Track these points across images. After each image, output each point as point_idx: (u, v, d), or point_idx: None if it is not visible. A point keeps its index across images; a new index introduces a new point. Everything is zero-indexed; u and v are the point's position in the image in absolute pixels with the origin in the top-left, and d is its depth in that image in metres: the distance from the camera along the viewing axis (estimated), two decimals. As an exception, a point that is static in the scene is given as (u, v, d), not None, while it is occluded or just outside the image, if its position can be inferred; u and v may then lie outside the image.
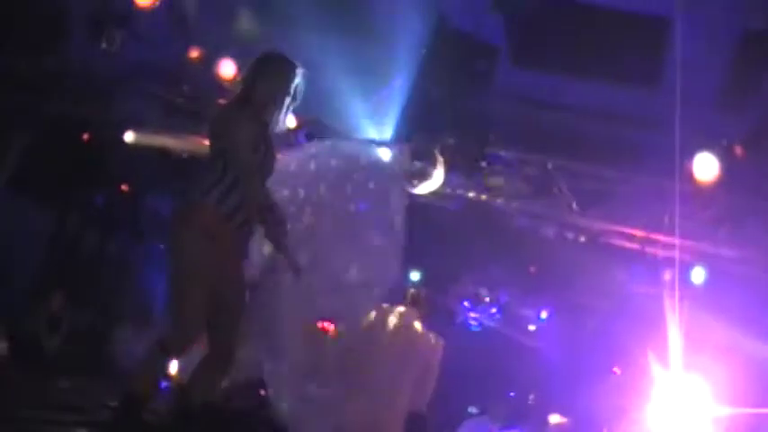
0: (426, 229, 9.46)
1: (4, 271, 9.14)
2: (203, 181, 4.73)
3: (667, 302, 7.65)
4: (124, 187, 11.13)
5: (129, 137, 9.18)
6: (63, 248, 10.82)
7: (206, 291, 4.65)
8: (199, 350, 4.98)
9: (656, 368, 7.76)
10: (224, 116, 5.06)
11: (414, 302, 6.65)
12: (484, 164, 8.30)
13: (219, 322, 4.79)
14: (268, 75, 4.89)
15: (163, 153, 9.35)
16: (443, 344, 6.45)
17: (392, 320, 6.39)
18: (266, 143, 4.85)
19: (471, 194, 8.44)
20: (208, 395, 5.01)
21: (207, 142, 5.15)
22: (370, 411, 6.02)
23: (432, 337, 6.47)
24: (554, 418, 9.82)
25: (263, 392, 9.08)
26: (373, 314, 6.38)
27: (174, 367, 5.95)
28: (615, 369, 10.51)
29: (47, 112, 9.10)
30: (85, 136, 9.70)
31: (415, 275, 10.12)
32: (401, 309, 6.60)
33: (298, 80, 4.93)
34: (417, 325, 6.41)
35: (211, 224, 4.63)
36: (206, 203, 4.65)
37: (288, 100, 4.92)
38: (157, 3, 7.82)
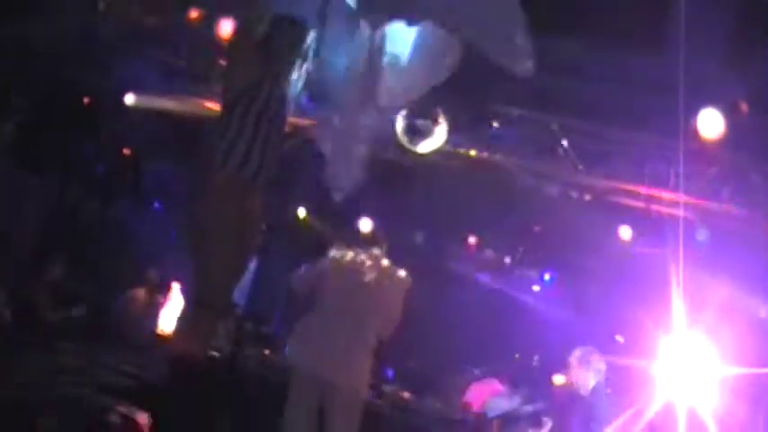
0: (429, 189, 9.45)
1: (4, 240, 9.13)
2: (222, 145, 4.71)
3: (671, 262, 7.62)
4: (125, 151, 11.11)
5: (129, 100, 9.14)
6: (63, 215, 10.82)
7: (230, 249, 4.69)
8: None
9: (659, 329, 7.75)
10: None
11: (371, 242, 6.64)
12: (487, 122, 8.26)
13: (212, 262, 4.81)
14: (277, 38, 4.85)
15: (164, 116, 9.31)
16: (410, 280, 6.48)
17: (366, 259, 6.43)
18: (273, 94, 4.81)
19: (474, 153, 8.39)
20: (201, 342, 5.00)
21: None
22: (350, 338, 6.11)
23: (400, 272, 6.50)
24: (558, 379, 9.83)
25: (267, 352, 9.20)
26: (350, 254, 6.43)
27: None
28: (618, 337, 10.52)
29: (45, 76, 9.04)
30: (86, 100, 9.65)
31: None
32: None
33: (309, 41, 4.91)
34: (386, 262, 6.45)
35: (234, 191, 4.65)
36: (225, 173, 4.66)
37: (299, 61, 4.91)
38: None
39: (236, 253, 4.75)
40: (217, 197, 4.69)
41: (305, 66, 5.00)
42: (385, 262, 6.38)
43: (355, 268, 6.31)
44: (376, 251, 6.43)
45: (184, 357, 4.76)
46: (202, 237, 4.75)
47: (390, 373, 10.20)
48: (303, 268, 6.54)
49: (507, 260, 11.91)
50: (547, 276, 12.18)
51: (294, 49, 4.92)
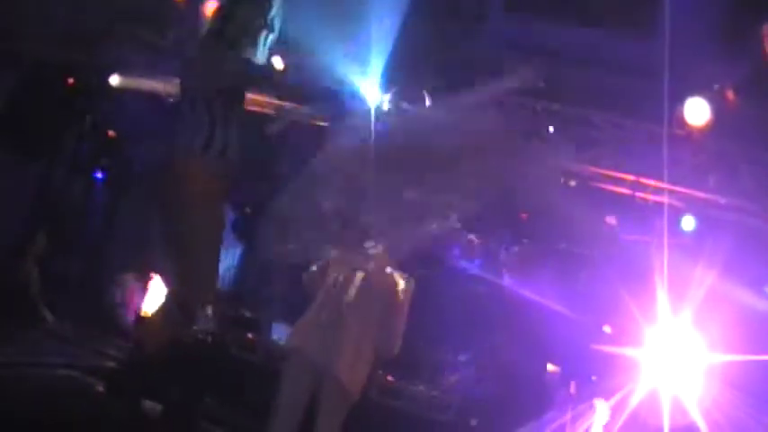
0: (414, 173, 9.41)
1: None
2: (186, 129, 4.67)
3: (656, 250, 7.63)
4: (111, 133, 11.06)
5: (114, 81, 9.10)
6: (49, 197, 10.78)
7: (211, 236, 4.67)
8: None
9: (645, 316, 7.76)
10: (196, 55, 4.96)
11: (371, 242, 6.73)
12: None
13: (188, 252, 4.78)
14: (241, 5, 4.77)
15: (150, 97, 9.27)
16: (413, 284, 6.52)
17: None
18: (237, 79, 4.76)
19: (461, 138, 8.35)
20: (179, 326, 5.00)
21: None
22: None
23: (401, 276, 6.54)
24: (549, 368, 9.86)
25: (250, 336, 9.20)
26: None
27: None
28: (605, 328, 10.52)
29: (30, 56, 8.99)
30: (70, 80, 9.59)
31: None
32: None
33: (274, 11, 4.81)
34: (386, 265, 6.50)
35: (201, 174, 4.60)
36: (194, 154, 4.61)
37: (264, 32, 4.81)
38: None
39: (204, 232, 4.70)
40: (182, 177, 4.64)
41: (270, 37, 4.88)
42: (388, 265, 6.45)
43: (355, 266, 6.39)
44: (377, 252, 6.51)
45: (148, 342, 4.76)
46: (172, 220, 4.74)
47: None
48: (314, 266, 6.60)
49: (493, 246, 11.86)
50: (532, 261, 12.13)
51: (258, 20, 4.81)
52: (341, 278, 6.37)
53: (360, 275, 6.37)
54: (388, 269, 6.46)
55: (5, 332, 7.09)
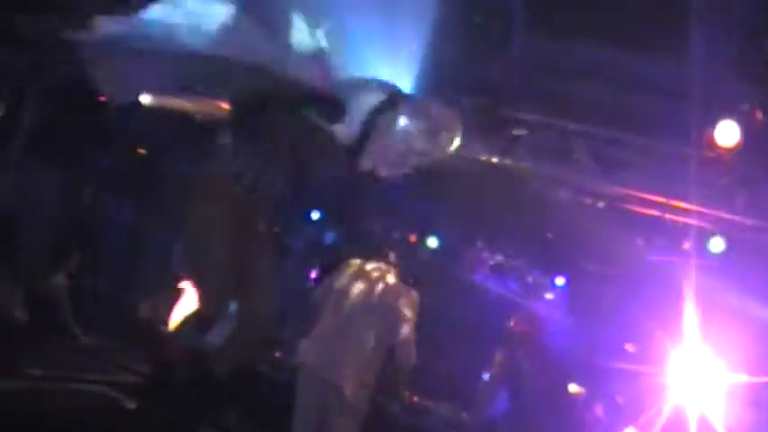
0: (441, 194, 9.43)
1: (20, 237, 9.18)
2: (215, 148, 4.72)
3: (685, 271, 7.61)
4: (140, 150, 11.14)
5: (145, 99, 9.14)
6: (78, 213, 10.87)
7: (229, 256, 4.65)
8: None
9: (672, 337, 7.73)
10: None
11: (384, 258, 6.79)
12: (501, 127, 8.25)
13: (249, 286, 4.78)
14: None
15: (179, 116, 9.32)
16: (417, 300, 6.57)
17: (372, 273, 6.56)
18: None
19: (487, 158, 8.36)
20: (239, 360, 5.02)
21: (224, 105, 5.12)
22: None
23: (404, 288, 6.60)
24: (572, 388, 9.82)
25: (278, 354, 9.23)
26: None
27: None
28: (628, 346, 10.48)
29: (62, 74, 9.07)
30: (101, 97, 9.65)
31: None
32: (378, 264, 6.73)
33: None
34: (391, 278, 6.57)
35: (224, 191, 4.61)
36: (215, 171, 4.64)
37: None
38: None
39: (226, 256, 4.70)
40: (204, 196, 4.67)
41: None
42: (393, 278, 6.50)
43: (365, 280, 6.44)
44: (387, 266, 6.57)
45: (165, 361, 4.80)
46: (196, 239, 4.76)
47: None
48: (322, 284, 6.66)
49: (520, 266, 11.86)
50: (559, 281, 12.12)
51: None
52: (348, 291, 6.42)
53: (367, 288, 6.42)
54: (395, 282, 6.50)
55: (36, 347, 7.14)
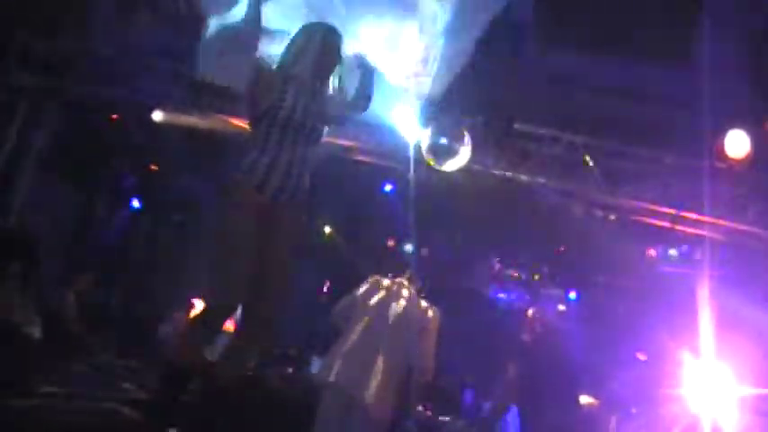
0: (455, 207, 9.45)
1: (34, 253, 9.23)
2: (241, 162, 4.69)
3: (697, 282, 7.59)
4: (153, 167, 11.19)
5: (157, 116, 9.20)
6: (92, 229, 10.93)
7: (246, 263, 4.65)
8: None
9: (685, 350, 7.70)
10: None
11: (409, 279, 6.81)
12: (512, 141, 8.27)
13: (260, 296, 4.78)
14: (308, 48, 4.82)
15: (191, 133, 9.37)
16: (439, 316, 6.59)
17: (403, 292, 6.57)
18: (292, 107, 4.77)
19: (499, 172, 8.37)
20: (240, 368, 5.01)
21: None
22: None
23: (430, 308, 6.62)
24: (583, 399, 9.78)
25: (290, 370, 9.24)
26: (387, 282, 6.58)
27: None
28: (640, 355, 10.45)
29: (75, 92, 9.14)
30: (114, 116, 9.73)
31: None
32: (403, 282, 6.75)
33: (338, 43, 4.85)
34: (411, 293, 6.59)
35: (246, 197, 4.60)
36: (237, 176, 4.63)
37: (335, 68, 4.87)
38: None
39: (246, 266, 4.71)
40: (235, 212, 4.66)
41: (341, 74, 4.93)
42: (413, 292, 6.51)
43: (386, 296, 6.45)
44: (406, 282, 6.58)
45: (180, 364, 4.79)
46: (219, 248, 4.76)
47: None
48: (341, 303, 6.66)
49: (532, 279, 11.88)
50: (572, 295, 12.12)
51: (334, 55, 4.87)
52: (369, 307, 6.43)
53: (393, 305, 6.43)
54: (415, 297, 6.51)
55: (49, 363, 7.16)
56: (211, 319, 4.78)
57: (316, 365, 9.44)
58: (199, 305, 9.31)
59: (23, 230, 8.98)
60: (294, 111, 4.68)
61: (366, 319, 6.36)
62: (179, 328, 9.83)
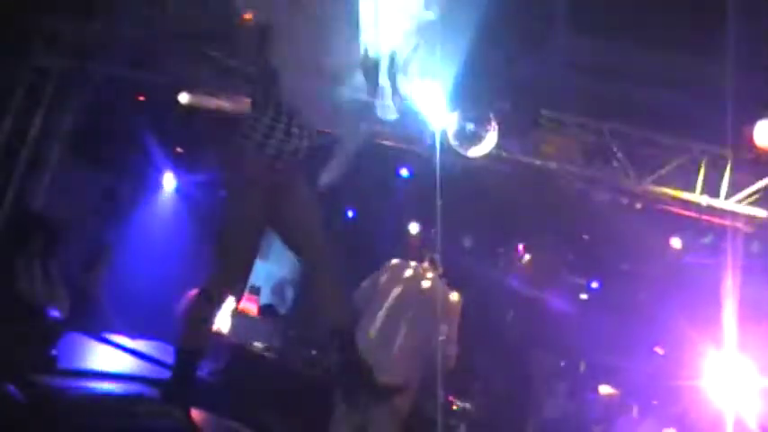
0: (478, 194, 9.43)
1: (61, 236, 9.29)
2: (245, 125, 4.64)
3: (723, 272, 7.54)
4: (179, 149, 11.23)
5: (183, 98, 9.21)
6: (117, 212, 10.98)
7: (247, 237, 4.65)
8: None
9: (708, 342, 7.67)
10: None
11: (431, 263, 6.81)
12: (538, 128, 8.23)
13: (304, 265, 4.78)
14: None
15: (217, 115, 9.37)
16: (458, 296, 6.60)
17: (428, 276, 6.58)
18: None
19: (525, 159, 8.34)
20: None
21: None
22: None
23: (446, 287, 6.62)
24: (604, 389, 9.78)
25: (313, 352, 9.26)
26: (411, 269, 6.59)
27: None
28: (657, 349, 10.43)
29: (102, 74, 9.18)
30: (140, 98, 9.75)
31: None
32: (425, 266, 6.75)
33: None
34: (433, 277, 6.60)
35: (251, 167, 4.56)
36: (243, 146, 4.57)
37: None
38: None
39: (251, 236, 4.71)
40: (238, 188, 4.64)
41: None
42: (435, 277, 6.51)
43: (410, 281, 6.45)
44: (427, 266, 6.59)
45: (184, 350, 4.82)
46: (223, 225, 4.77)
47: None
48: (362, 287, 6.66)
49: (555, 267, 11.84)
50: (595, 284, 12.09)
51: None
52: (391, 291, 6.43)
53: (415, 290, 6.43)
54: (437, 282, 6.51)
55: (73, 343, 7.21)
56: (210, 293, 4.80)
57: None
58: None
59: (48, 212, 9.05)
60: None
61: (388, 303, 6.38)
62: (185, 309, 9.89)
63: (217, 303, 4.94)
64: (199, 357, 4.92)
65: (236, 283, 4.94)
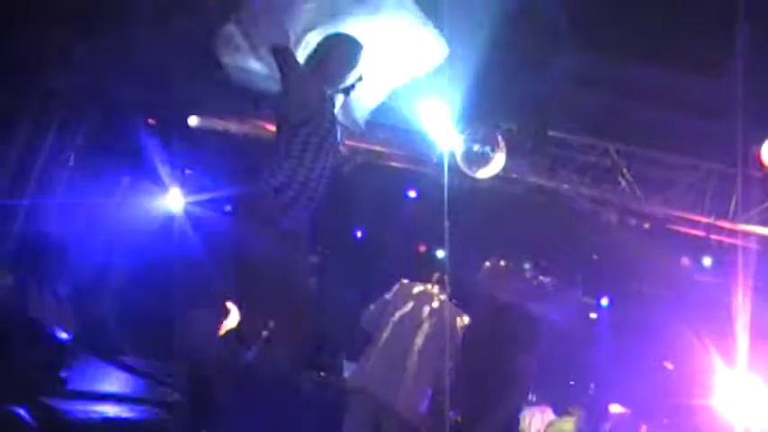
0: (486, 215, 9.43)
1: (69, 255, 9.31)
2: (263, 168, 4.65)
3: (732, 292, 7.52)
4: (188, 171, 11.25)
5: (193, 121, 9.25)
6: (125, 232, 10.98)
7: (270, 278, 4.65)
8: None
9: (717, 360, 7.64)
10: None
11: (439, 283, 6.80)
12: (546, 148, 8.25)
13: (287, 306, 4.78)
14: (341, 52, 4.75)
15: (226, 137, 9.41)
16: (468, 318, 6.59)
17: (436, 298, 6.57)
18: (329, 120, 4.75)
19: (533, 179, 8.36)
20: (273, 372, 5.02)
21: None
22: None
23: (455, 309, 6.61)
24: (614, 408, 9.73)
25: (322, 373, 9.26)
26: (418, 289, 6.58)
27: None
28: (667, 364, 10.38)
29: (112, 96, 9.22)
30: (151, 120, 9.80)
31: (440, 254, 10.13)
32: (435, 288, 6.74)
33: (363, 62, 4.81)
34: (442, 299, 6.59)
35: (267, 209, 4.57)
36: (259, 187, 4.59)
37: (355, 82, 4.81)
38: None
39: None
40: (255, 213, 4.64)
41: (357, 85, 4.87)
42: (444, 298, 6.51)
43: (417, 302, 6.45)
44: (437, 288, 6.58)
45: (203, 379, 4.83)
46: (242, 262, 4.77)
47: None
48: (371, 308, 6.66)
49: (564, 286, 11.80)
50: (604, 302, 12.07)
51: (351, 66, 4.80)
52: (401, 313, 6.42)
53: (424, 311, 6.42)
54: (446, 303, 6.50)
55: (85, 365, 7.21)
56: (244, 335, 4.82)
57: (347, 370, 9.47)
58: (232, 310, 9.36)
59: (58, 232, 9.07)
60: (333, 125, 4.68)
61: (396, 325, 6.37)
62: (205, 331, 9.87)
63: (249, 346, 4.97)
64: (213, 383, 4.93)
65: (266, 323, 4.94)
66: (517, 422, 8.59)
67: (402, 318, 6.45)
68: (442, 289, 6.70)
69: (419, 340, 6.33)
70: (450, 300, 6.70)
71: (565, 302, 11.88)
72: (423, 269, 7.29)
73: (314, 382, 8.91)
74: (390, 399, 6.08)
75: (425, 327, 6.41)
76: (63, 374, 6.38)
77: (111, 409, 6.10)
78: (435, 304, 6.56)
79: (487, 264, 7.26)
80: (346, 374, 9.31)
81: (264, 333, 5.06)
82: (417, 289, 6.67)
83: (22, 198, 9.14)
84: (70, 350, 7.45)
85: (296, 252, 4.79)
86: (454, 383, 6.56)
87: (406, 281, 6.80)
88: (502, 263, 7.29)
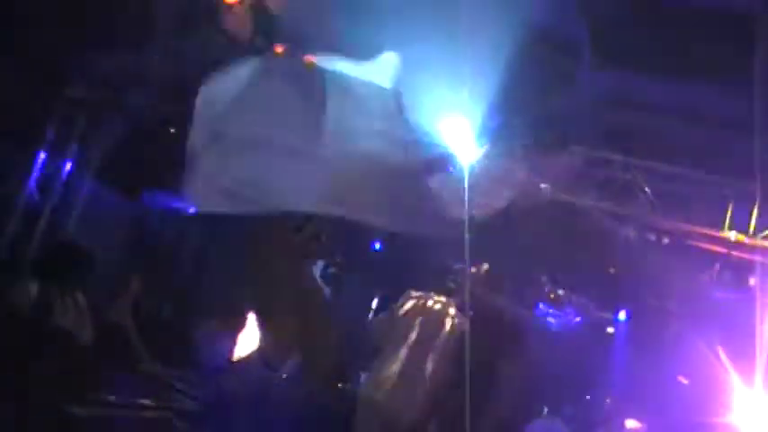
0: (503, 228, 9.44)
1: (88, 263, 9.36)
2: None
3: (751, 309, 7.50)
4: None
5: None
6: (146, 240, 11.05)
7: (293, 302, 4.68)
8: None
9: (736, 378, 7.61)
10: None
11: (450, 293, 6.81)
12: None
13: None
14: None
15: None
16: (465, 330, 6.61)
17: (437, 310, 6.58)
18: None
19: (552, 194, 8.36)
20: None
21: None
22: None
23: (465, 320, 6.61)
24: (630, 423, 9.71)
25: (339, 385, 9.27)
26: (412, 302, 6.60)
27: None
28: (682, 378, 10.35)
29: (133, 106, 9.28)
30: (171, 130, 9.85)
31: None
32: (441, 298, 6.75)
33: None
34: (452, 310, 6.59)
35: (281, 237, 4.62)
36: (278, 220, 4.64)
37: None
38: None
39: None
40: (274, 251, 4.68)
41: None
42: (454, 310, 6.52)
43: (427, 313, 6.46)
44: (447, 299, 6.59)
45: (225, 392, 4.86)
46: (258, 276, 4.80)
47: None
48: (379, 319, 6.69)
49: (581, 301, 11.80)
50: (622, 316, 12.05)
51: None
52: (410, 324, 6.43)
53: (429, 321, 6.43)
54: (456, 314, 6.51)
55: (101, 373, 7.25)
56: (270, 359, 4.85)
57: (361, 381, 9.49)
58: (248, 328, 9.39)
59: (78, 242, 9.12)
60: None
61: (407, 336, 6.38)
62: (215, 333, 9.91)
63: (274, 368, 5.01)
64: (233, 394, 4.96)
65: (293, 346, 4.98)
66: None
67: (414, 330, 6.46)
68: (452, 298, 6.70)
69: (432, 354, 6.35)
70: (462, 311, 6.71)
71: (580, 316, 11.88)
72: (438, 280, 7.30)
73: (332, 395, 8.91)
74: (399, 409, 6.11)
75: (437, 340, 6.42)
76: (84, 381, 6.42)
77: (131, 417, 6.13)
78: (444, 315, 6.55)
79: (473, 270, 7.27)
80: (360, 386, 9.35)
81: (292, 360, 5.10)
82: (427, 299, 6.67)
83: (45, 206, 9.22)
84: (91, 357, 7.50)
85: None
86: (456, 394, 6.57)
87: (415, 292, 6.79)
88: (485, 267, 7.28)
